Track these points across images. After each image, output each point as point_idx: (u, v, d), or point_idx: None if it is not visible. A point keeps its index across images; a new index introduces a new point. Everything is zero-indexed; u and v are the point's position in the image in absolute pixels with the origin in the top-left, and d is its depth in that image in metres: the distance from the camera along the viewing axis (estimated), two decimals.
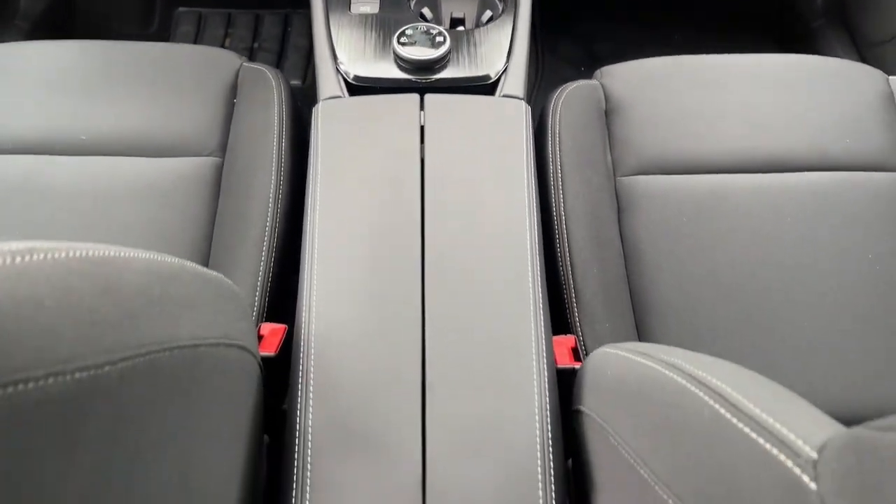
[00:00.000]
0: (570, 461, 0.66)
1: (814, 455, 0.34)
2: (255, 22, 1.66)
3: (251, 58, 1.59)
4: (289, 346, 0.73)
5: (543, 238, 0.82)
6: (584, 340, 0.83)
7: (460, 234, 0.71)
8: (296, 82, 1.58)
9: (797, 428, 0.36)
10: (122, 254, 0.43)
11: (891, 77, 1.06)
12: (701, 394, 0.43)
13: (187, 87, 1.02)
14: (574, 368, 0.74)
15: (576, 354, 0.81)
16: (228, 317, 0.55)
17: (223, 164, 0.97)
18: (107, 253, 0.42)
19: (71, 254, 0.39)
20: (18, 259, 0.35)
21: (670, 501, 0.42)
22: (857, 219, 0.94)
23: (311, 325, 0.66)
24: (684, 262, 0.91)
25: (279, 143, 0.94)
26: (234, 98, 1.02)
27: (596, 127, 1.01)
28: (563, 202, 0.92)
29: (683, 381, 0.46)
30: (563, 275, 0.87)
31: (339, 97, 0.86)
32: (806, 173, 0.97)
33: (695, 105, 1.01)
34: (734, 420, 0.40)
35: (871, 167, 0.98)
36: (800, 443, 0.35)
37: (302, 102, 1.09)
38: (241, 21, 1.66)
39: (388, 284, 0.68)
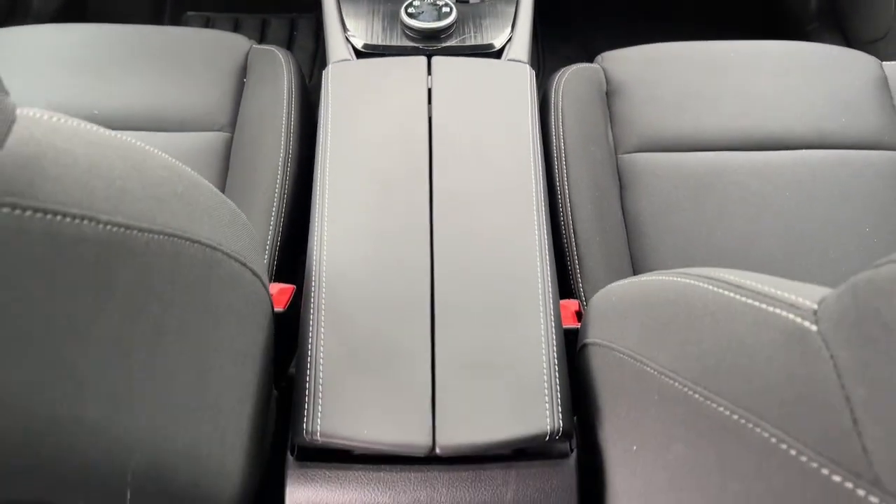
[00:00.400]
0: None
1: (814, 306, 0.35)
2: (262, 25, 1.70)
3: None
4: (297, 306, 0.74)
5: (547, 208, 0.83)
6: (586, 304, 0.84)
7: (468, 179, 0.72)
8: None
9: (797, 292, 0.38)
10: (149, 148, 0.45)
11: (884, 63, 1.09)
12: (706, 285, 0.45)
13: (198, 67, 1.04)
14: (577, 329, 0.75)
15: (579, 318, 0.82)
16: (243, 241, 0.56)
17: (232, 139, 0.99)
18: (135, 141, 0.43)
19: (102, 131, 0.40)
20: (55, 118, 0.36)
21: (677, 384, 0.43)
22: (853, 195, 0.95)
23: (323, 261, 0.67)
24: (684, 234, 0.93)
25: (288, 116, 0.96)
26: (244, 78, 1.04)
27: (597, 106, 1.03)
28: (567, 174, 0.93)
29: (688, 280, 0.47)
30: (567, 242, 0.89)
31: (349, 60, 0.88)
32: (802, 151, 0.99)
33: (694, 87, 1.04)
34: (737, 296, 0.41)
35: (866, 146, 1.00)
36: (800, 299, 0.36)
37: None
38: (248, 25, 1.70)
39: (397, 223, 0.69)
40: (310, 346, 0.62)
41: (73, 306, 0.33)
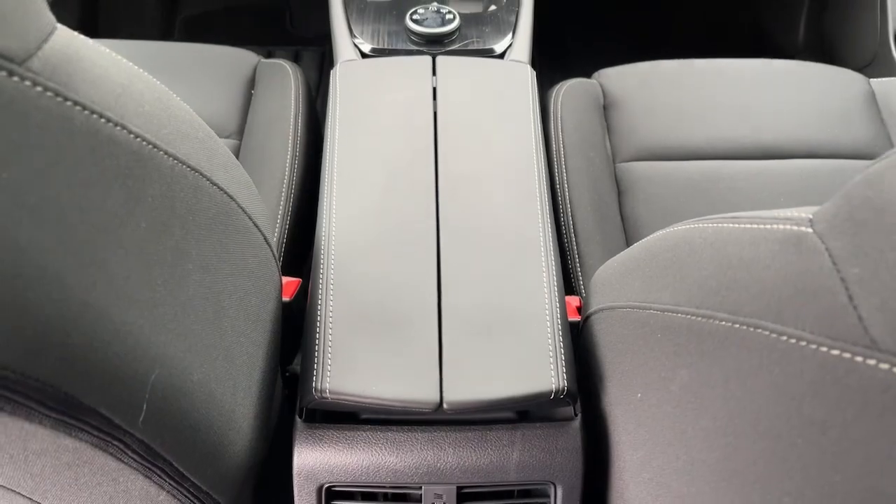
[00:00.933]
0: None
1: (809, 216, 0.37)
2: (267, 57, 1.75)
3: None
4: (302, 299, 0.76)
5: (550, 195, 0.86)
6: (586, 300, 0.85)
7: (472, 164, 0.75)
8: None
9: (792, 211, 0.39)
10: (176, 96, 0.47)
11: (872, 80, 1.13)
12: (703, 224, 0.46)
13: (207, 79, 1.07)
14: (578, 321, 0.76)
15: (580, 312, 0.83)
16: (257, 206, 0.58)
17: (240, 146, 1.01)
18: (163, 85, 0.46)
19: (130, 63, 0.42)
20: (88, 39, 0.38)
21: (679, 315, 0.44)
22: None
23: (332, 235, 0.69)
24: None
25: (295, 122, 0.99)
26: (253, 89, 1.08)
27: (595, 117, 1.06)
28: (567, 176, 0.96)
29: (686, 225, 0.49)
30: (567, 239, 0.91)
31: (356, 60, 0.91)
32: (796, 160, 1.02)
33: (688, 100, 1.07)
34: (735, 224, 0.43)
35: (857, 156, 1.03)
36: (795, 213, 0.38)
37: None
38: None
39: (404, 201, 0.71)
40: (319, 311, 0.63)
41: (106, 203, 0.35)
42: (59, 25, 0.36)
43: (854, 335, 0.31)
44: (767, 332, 0.36)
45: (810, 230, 0.36)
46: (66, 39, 0.35)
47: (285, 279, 0.84)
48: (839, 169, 1.01)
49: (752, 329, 0.37)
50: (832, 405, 0.32)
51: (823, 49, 1.57)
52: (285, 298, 0.77)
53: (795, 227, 0.37)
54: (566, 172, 0.97)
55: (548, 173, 0.81)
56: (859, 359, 0.30)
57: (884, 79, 1.12)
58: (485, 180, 0.75)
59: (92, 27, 1.67)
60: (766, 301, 0.37)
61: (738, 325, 0.38)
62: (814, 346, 0.33)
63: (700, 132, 1.04)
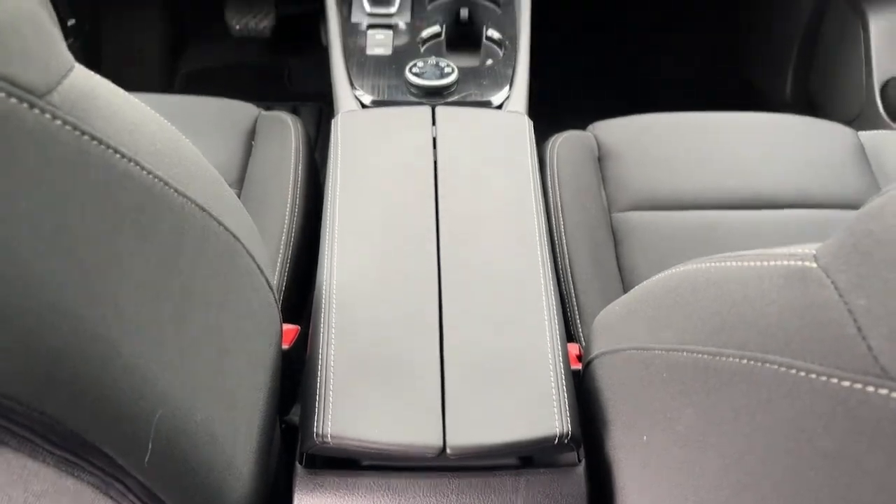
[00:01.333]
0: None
1: (812, 251, 0.38)
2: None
3: None
4: (301, 348, 0.75)
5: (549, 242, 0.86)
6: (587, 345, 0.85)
7: (472, 210, 0.76)
8: None
9: (795, 248, 0.40)
10: (185, 138, 0.48)
11: (860, 132, 1.15)
12: (706, 264, 0.47)
13: (208, 130, 1.09)
14: (580, 370, 0.76)
15: (580, 360, 0.83)
16: (261, 251, 0.58)
17: (240, 195, 1.02)
18: (173, 127, 0.46)
19: (141, 104, 0.43)
20: (101, 78, 0.39)
21: (685, 354, 0.45)
22: None
23: (333, 279, 0.69)
24: None
25: (295, 171, 1.00)
26: (253, 140, 1.09)
27: (590, 168, 1.08)
28: (564, 225, 0.97)
29: (688, 266, 0.49)
30: (566, 287, 0.91)
31: (356, 110, 0.93)
32: (789, 210, 1.03)
33: (681, 151, 1.09)
34: (738, 262, 0.43)
35: (850, 205, 1.05)
36: (799, 250, 0.39)
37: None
38: None
39: (405, 245, 0.72)
40: (320, 356, 0.63)
41: (118, 237, 0.35)
42: (77, 64, 0.37)
43: (864, 365, 0.31)
44: (776, 366, 0.36)
45: (814, 265, 0.36)
46: (84, 77, 0.36)
47: (284, 326, 0.83)
48: (832, 218, 1.02)
49: (760, 364, 0.37)
50: (844, 436, 0.32)
51: (811, 103, 1.61)
52: (284, 346, 0.77)
53: (800, 263, 0.38)
54: (563, 221, 0.98)
55: (546, 222, 0.82)
56: (871, 389, 0.31)
57: (872, 132, 1.15)
58: (485, 227, 0.75)
59: None
60: (773, 335, 0.37)
61: (745, 361, 0.38)
62: (824, 378, 0.33)
63: (693, 183, 1.05)
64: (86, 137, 0.33)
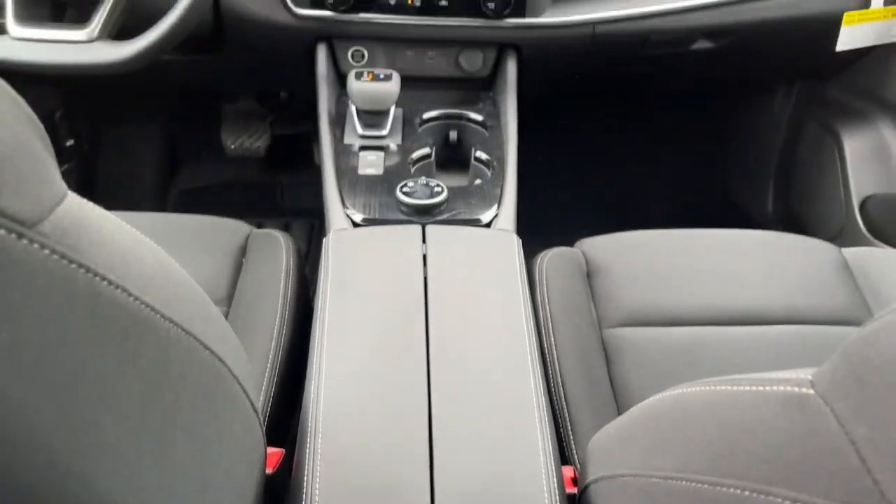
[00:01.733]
0: None
1: (808, 377, 0.37)
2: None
3: None
4: (285, 472, 0.73)
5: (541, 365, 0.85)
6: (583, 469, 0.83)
7: (463, 333, 0.75)
8: None
9: (791, 373, 0.40)
10: (174, 261, 0.48)
11: (843, 249, 1.17)
12: (701, 387, 0.46)
13: (198, 247, 1.09)
14: (575, 494, 0.74)
15: (575, 483, 0.81)
16: (246, 374, 0.57)
17: (228, 314, 1.01)
18: (163, 250, 0.47)
19: (131, 228, 0.44)
20: (93, 205, 0.40)
21: (684, 483, 0.43)
22: None
23: (320, 400, 0.67)
24: None
25: (285, 290, 1.00)
26: (244, 258, 1.09)
27: (579, 284, 1.08)
28: (555, 342, 0.96)
29: (683, 389, 0.49)
30: (558, 407, 0.89)
31: (347, 229, 0.94)
32: (778, 326, 1.04)
33: (670, 267, 1.10)
34: (734, 387, 0.42)
35: (838, 321, 1.05)
36: (794, 375, 0.38)
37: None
38: None
39: (395, 368, 0.70)
40: (305, 484, 0.61)
41: (101, 364, 0.34)
42: (69, 192, 0.37)
43: (871, 499, 0.30)
44: (780, 499, 0.35)
45: (812, 391, 0.36)
46: (76, 205, 0.37)
47: (269, 450, 0.81)
48: (821, 334, 1.02)
49: (763, 496, 0.36)
50: None
51: (793, 219, 1.65)
52: (268, 471, 0.74)
53: (797, 389, 0.37)
54: (554, 339, 0.97)
55: (537, 340, 0.82)
56: None
57: (855, 248, 1.17)
58: (475, 346, 0.75)
59: (88, 196, 1.72)
60: (774, 465, 0.36)
61: (747, 493, 0.37)
62: None
63: (683, 299, 1.06)
64: (73, 266, 0.33)
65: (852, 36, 1.33)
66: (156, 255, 0.44)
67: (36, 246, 0.31)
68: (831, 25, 1.32)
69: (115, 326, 0.36)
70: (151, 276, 0.41)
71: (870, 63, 1.46)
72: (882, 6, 1.31)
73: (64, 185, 0.37)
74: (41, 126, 0.35)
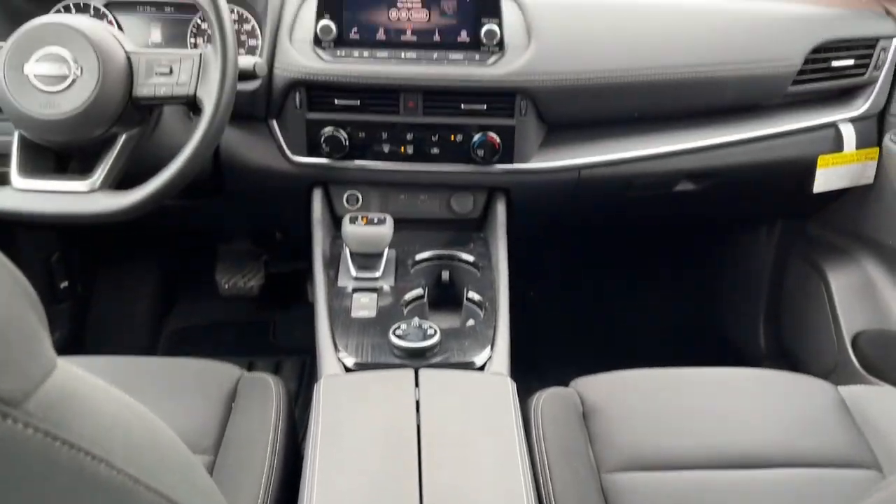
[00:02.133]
0: None
1: None
2: (248, 368, 1.77)
3: None
4: None
5: None
6: None
7: (457, 479, 0.73)
8: None
9: None
10: (162, 423, 0.48)
11: (840, 387, 1.16)
12: None
13: (187, 392, 1.07)
14: None
15: None
16: None
17: (215, 462, 0.98)
18: (152, 415, 0.46)
19: (121, 393, 0.43)
20: (84, 374, 0.40)
21: None
22: None
23: None
24: None
25: (274, 436, 0.97)
26: (233, 402, 1.08)
27: (576, 426, 1.06)
28: (553, 489, 0.93)
29: None
30: None
31: (339, 374, 0.93)
32: (778, 469, 1.01)
33: (667, 407, 1.09)
34: None
35: (839, 464, 1.03)
36: None
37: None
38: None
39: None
40: None
41: None
42: (59, 362, 0.37)
43: None
44: None
45: None
46: (65, 376, 0.37)
47: None
48: (824, 478, 1.00)
49: None
50: None
51: (786, 356, 1.64)
52: None
53: None
54: (552, 484, 0.94)
55: (534, 485, 0.79)
56: None
57: (852, 387, 1.16)
58: (470, 496, 0.73)
59: (80, 337, 1.71)
60: None
61: None
62: None
63: (682, 441, 1.04)
64: (57, 443, 0.33)
65: (828, 178, 1.39)
66: (143, 420, 0.44)
67: (20, 426, 0.31)
68: (808, 168, 1.37)
69: (98, 499, 0.35)
70: (137, 445, 0.40)
71: (848, 201, 1.51)
72: (854, 150, 1.37)
73: (53, 356, 0.37)
74: (34, 295, 0.36)
